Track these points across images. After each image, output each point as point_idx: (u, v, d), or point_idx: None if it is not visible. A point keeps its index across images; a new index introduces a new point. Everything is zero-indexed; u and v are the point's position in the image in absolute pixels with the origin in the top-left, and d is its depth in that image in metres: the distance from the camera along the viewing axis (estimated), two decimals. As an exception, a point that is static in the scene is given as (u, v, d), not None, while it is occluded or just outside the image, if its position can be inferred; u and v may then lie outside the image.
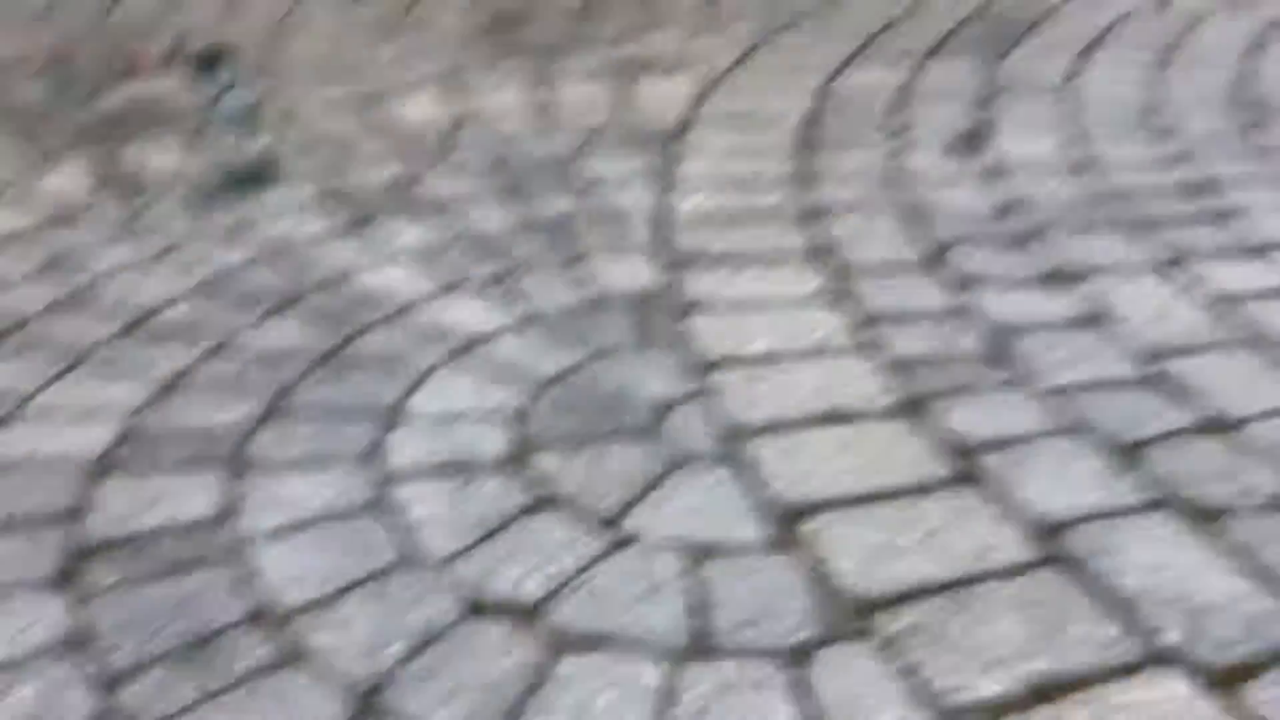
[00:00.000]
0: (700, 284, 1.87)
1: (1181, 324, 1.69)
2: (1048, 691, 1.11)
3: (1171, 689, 1.10)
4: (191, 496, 1.43)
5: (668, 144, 2.35)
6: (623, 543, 1.33)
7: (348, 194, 2.22)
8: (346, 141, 2.45)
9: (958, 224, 1.99)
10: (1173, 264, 1.85)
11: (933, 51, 2.69)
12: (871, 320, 1.73)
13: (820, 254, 1.93)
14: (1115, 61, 2.63)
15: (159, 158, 2.41)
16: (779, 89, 2.59)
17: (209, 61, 2.24)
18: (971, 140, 2.30)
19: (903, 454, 1.44)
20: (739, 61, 2.73)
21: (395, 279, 1.94)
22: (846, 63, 2.67)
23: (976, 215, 2.02)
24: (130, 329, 1.84)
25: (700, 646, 1.19)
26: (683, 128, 2.43)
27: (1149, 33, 2.78)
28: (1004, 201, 2.06)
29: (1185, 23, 2.80)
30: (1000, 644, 1.16)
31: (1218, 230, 1.96)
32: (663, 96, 2.57)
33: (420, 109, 2.56)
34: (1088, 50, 2.69)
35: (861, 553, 1.28)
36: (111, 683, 1.18)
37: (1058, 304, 1.76)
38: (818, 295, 1.81)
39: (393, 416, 1.58)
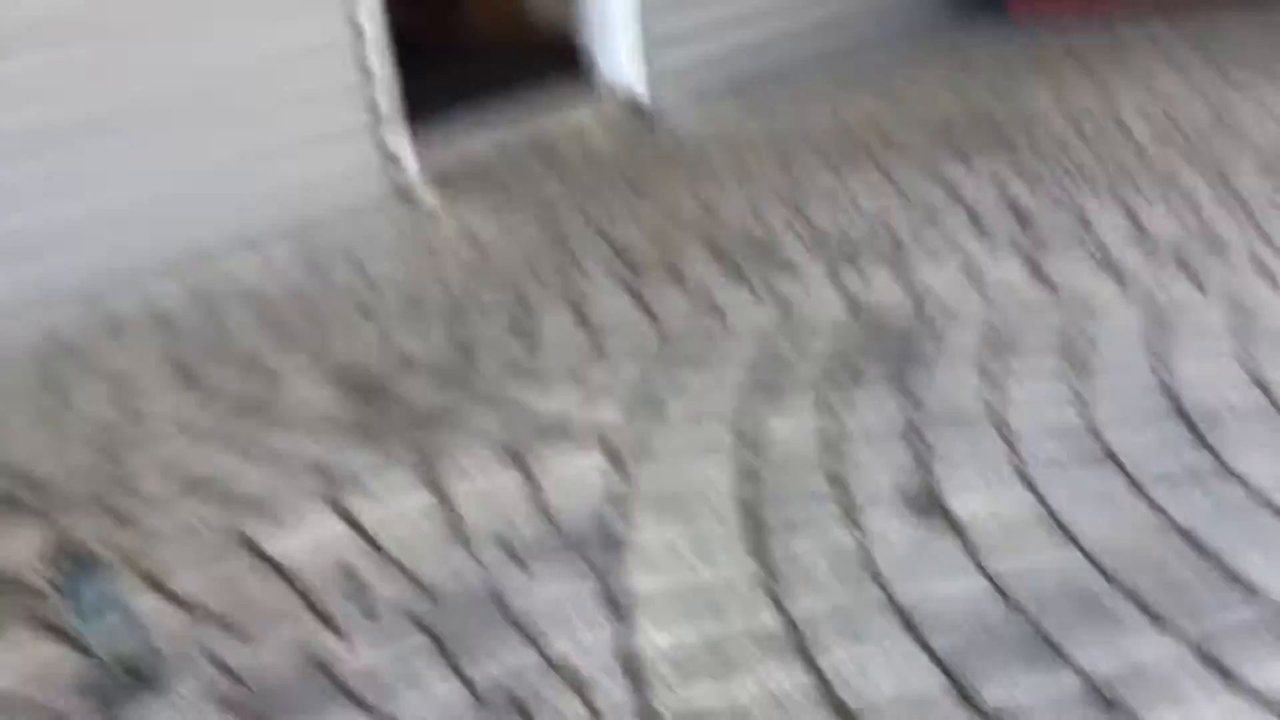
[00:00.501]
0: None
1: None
2: None
3: None
4: None
5: (601, 552, 2.05)
6: None
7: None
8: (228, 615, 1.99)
9: (958, 633, 1.74)
10: (1209, 663, 1.63)
11: (840, 384, 2.55)
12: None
13: (832, 701, 1.65)
14: (1030, 374, 2.52)
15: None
16: (696, 451, 2.34)
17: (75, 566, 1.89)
18: (922, 501, 2.09)
19: None
20: (641, 418, 2.50)
21: None
22: (757, 407, 2.50)
23: (973, 617, 1.77)
24: None
25: None
26: (609, 525, 2.12)
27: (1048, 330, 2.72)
28: (991, 591, 1.83)
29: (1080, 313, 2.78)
30: None
31: (1243, 608, 1.74)
32: (573, 481, 2.28)
33: (303, 536, 2.19)
34: (996, 362, 2.59)
35: None
36: None
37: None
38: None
39: None
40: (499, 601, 1.94)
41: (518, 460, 2.38)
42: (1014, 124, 4.60)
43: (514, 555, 2.06)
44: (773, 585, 1.89)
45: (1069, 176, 3.90)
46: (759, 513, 2.11)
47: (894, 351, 2.71)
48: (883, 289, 3.08)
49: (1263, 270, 2.94)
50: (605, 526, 2.11)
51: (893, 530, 2.01)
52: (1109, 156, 4.07)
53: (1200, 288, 2.87)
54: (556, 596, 1.93)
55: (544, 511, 2.19)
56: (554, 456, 2.38)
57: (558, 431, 2.49)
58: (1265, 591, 1.76)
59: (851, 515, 2.07)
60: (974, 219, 3.56)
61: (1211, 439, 2.20)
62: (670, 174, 4.44)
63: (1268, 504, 1.98)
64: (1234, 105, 4.52)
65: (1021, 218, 3.53)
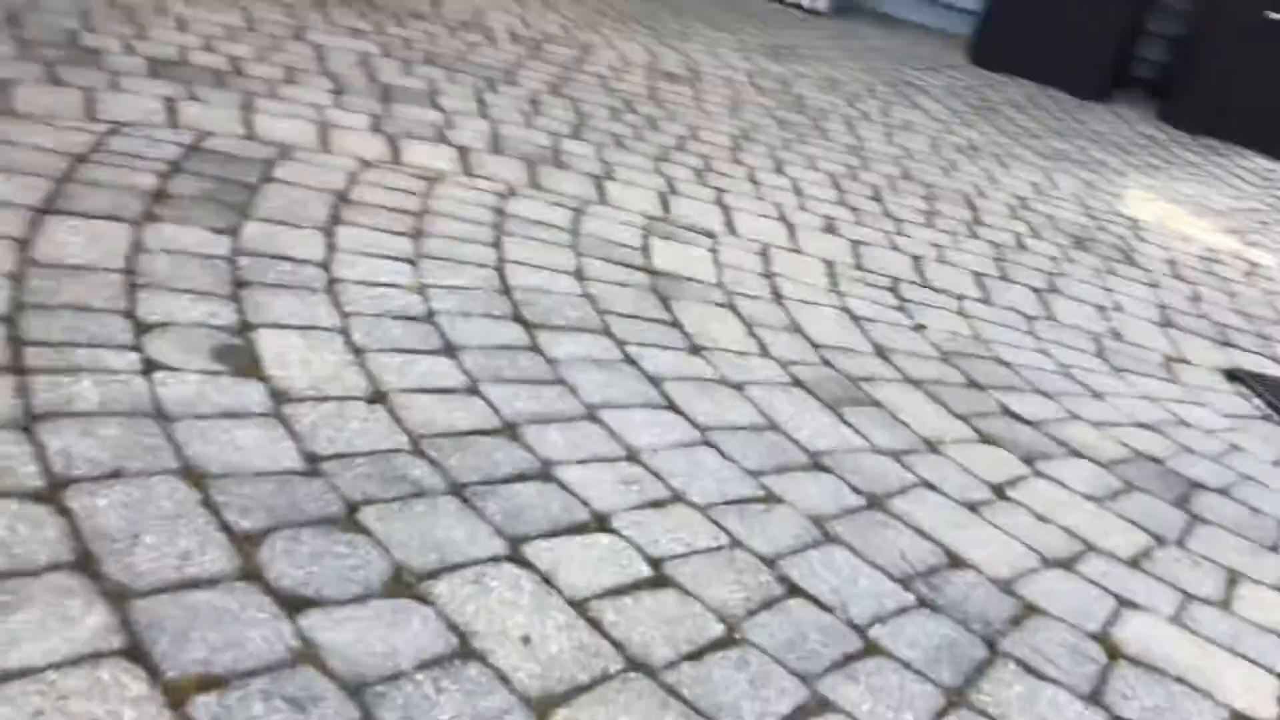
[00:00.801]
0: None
1: (553, 656, 1.37)
2: None
3: None
4: None
5: None
6: None
7: None
8: None
9: (264, 500, 1.50)
10: (514, 557, 1.52)
11: (156, 214, 2.20)
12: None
13: (89, 570, 1.35)
14: (367, 241, 2.34)
15: None
16: None
17: None
18: (233, 355, 1.83)
19: None
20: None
21: None
22: (52, 227, 2.07)
23: (281, 480, 1.55)
24: None
25: None
26: None
27: (390, 197, 2.58)
28: (306, 455, 1.62)
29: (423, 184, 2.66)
30: None
31: (545, 495, 1.68)
32: None
33: None
34: (334, 221, 2.39)
35: None
36: None
37: (413, 635, 1.34)
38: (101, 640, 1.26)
39: None
40: None
41: None
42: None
43: None
44: (32, 426, 1.55)
45: (425, 55, 3.81)
46: (31, 348, 1.73)
47: (226, 188, 2.42)
48: (220, 122, 2.76)
49: (605, 176, 3.06)
50: None
51: (193, 382, 1.75)
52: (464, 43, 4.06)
53: (538, 185, 2.92)
54: None
55: None
56: None
57: None
58: (560, 477, 1.76)
59: (147, 360, 1.77)
60: (332, 78, 3.33)
61: (532, 320, 2.20)
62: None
63: (568, 387, 2.01)
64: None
65: (377, 85, 3.38)
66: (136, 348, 1.78)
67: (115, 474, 1.48)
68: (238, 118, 2.82)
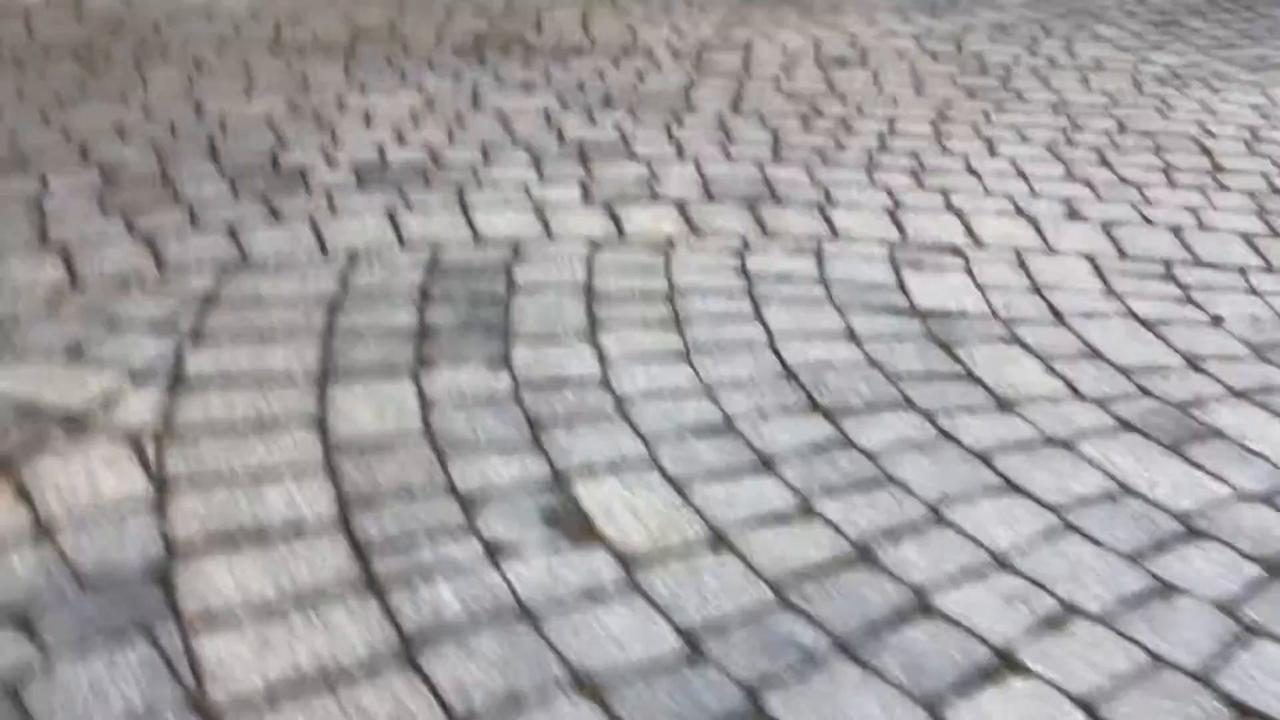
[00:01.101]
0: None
1: None
2: None
3: None
4: None
5: (149, 606, 1.60)
6: None
7: None
8: None
9: (666, 706, 1.42)
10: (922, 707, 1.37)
11: (423, 347, 2.16)
12: None
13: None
14: (632, 343, 2.08)
15: None
16: (258, 459, 1.87)
17: None
18: (565, 517, 1.81)
19: None
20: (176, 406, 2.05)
21: None
22: (324, 382, 2.10)
23: (671, 673, 1.46)
24: None
25: None
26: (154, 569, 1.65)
27: (634, 282, 2.27)
28: (680, 633, 1.50)
29: (658, 258, 2.32)
30: None
31: (935, 637, 1.57)
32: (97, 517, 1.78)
33: None
34: (592, 324, 2.15)
35: None
36: None
37: None
38: None
39: None
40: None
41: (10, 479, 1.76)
42: (549, 47, 4.33)
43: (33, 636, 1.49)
44: (413, 656, 1.50)
45: (602, 96, 3.70)
46: (376, 556, 1.68)
47: (479, 310, 2.35)
48: (446, 229, 2.70)
49: (826, 203, 2.92)
50: (150, 571, 1.58)
51: (540, 564, 1.68)
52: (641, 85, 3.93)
53: (766, 231, 2.79)
54: (94, 679, 1.40)
55: (64, 565, 1.60)
56: (50, 466, 1.78)
57: (69, 430, 1.87)
58: (941, 607, 1.64)
59: (487, 544, 1.71)
60: (525, 147, 3.25)
61: (829, 406, 2.08)
62: (153, 67, 3.69)
63: (899, 484, 1.88)
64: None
65: (570, 145, 3.28)
66: (472, 530, 1.73)
67: (515, 701, 1.42)
68: (459, 221, 2.76)
